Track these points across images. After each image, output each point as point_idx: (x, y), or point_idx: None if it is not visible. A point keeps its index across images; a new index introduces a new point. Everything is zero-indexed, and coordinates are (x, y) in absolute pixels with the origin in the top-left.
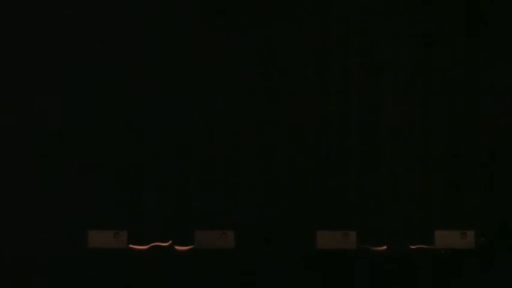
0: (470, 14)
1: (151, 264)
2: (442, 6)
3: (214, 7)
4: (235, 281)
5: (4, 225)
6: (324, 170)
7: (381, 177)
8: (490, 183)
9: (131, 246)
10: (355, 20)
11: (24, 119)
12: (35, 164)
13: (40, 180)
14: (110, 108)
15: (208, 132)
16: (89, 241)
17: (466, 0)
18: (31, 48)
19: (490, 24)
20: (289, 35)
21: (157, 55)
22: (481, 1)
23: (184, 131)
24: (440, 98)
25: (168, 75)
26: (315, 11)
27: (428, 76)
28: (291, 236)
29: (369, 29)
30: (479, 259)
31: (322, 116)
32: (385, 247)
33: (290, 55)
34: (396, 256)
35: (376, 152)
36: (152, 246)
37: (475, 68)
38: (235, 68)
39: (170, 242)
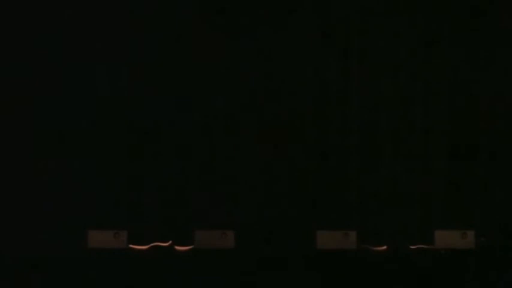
0: (471, 13)
1: (151, 264)
2: (442, 6)
3: (214, 7)
4: (235, 281)
5: (4, 225)
6: (324, 170)
7: (381, 177)
8: (490, 183)
9: (131, 246)
10: (355, 20)
11: (24, 119)
12: (35, 164)
13: (40, 180)
14: (110, 108)
15: (208, 132)
16: (89, 241)
17: (466, 0)
18: (31, 48)
19: (490, 24)
20: (289, 35)
21: (157, 55)
22: (481, 1)
23: (184, 131)
24: (440, 98)
25: (168, 75)
26: (315, 11)
27: (428, 76)
28: (291, 236)
29: (368, 29)
30: (479, 259)
31: (322, 116)
32: (385, 247)
33: (290, 55)
34: (396, 256)
35: (376, 152)
36: (152, 246)
37: (475, 68)
38: (235, 68)
39: (170, 242)
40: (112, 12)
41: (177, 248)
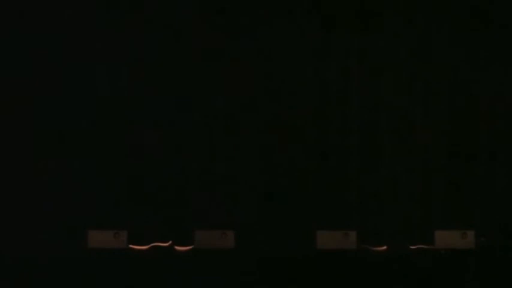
0: (471, 14)
1: (151, 264)
2: (442, 6)
3: (214, 7)
4: (235, 281)
5: (4, 225)
6: (324, 170)
7: (381, 177)
8: (490, 183)
9: (131, 246)
10: (355, 20)
11: (24, 119)
12: (35, 164)
13: (40, 180)
14: (110, 108)
15: (208, 132)
16: (89, 241)
17: (466, 0)
18: (31, 48)
19: (490, 24)
20: (289, 35)
21: (157, 55)
22: (481, 1)
23: (184, 131)
24: (440, 98)
25: (168, 75)
26: (315, 11)
27: (428, 76)
28: (291, 236)
29: (368, 29)
30: (479, 259)
31: (322, 116)
32: (385, 247)
33: (290, 55)
34: (396, 256)
35: (376, 152)
36: (152, 246)
37: (475, 68)
38: (235, 68)
39: (170, 242)
40: (112, 12)
41: (177, 248)
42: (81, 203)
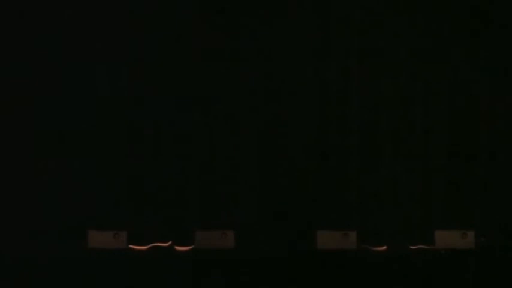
0: (471, 14)
1: (151, 264)
2: (442, 6)
3: (214, 7)
4: (235, 281)
5: (4, 225)
6: (324, 170)
7: (381, 177)
8: (490, 183)
9: (131, 246)
10: (355, 20)
11: (24, 119)
12: (35, 164)
13: (40, 180)
14: (109, 108)
15: (208, 132)
16: (89, 241)
17: (466, 0)
18: (31, 48)
19: (490, 24)
20: (289, 35)
21: (157, 55)
22: (481, 1)
23: (184, 131)
24: (440, 98)
25: (168, 75)
26: (315, 11)
27: (428, 76)
28: (291, 236)
29: (368, 29)
30: (479, 259)
31: (322, 116)
32: (385, 247)
33: (290, 55)
34: (396, 256)
35: (376, 152)
36: (152, 247)
37: (475, 68)
38: (235, 68)
39: (170, 242)
40: (112, 12)
41: (177, 248)
42: (81, 203)
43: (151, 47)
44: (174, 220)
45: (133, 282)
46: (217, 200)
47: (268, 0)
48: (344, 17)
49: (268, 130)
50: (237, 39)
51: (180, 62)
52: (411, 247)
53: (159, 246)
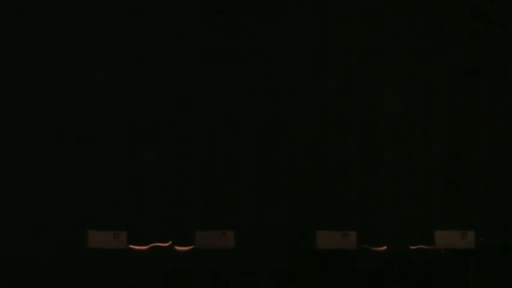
0: (471, 14)
1: (151, 264)
2: (442, 6)
3: (214, 7)
4: (235, 281)
5: (4, 225)
6: (324, 170)
7: (381, 177)
8: (490, 183)
9: (131, 246)
10: (355, 20)
11: (24, 119)
12: (35, 164)
13: (40, 180)
14: (110, 108)
15: (208, 132)
16: (89, 241)
17: (466, 0)
18: (31, 48)
19: (490, 24)
20: (289, 35)
21: (157, 55)
22: (481, 1)
23: (184, 131)
24: (440, 98)
25: (168, 75)
26: (315, 11)
27: (428, 76)
28: (291, 236)
29: (368, 29)
30: (479, 259)
31: (322, 116)
32: (385, 247)
33: (290, 55)
34: (396, 256)
35: (376, 152)
36: (152, 247)
37: (475, 68)
38: (235, 68)
39: (170, 242)
40: (112, 12)
41: (177, 248)
42: (81, 203)
43: (151, 47)
44: (174, 220)
45: (133, 282)
46: (217, 200)
47: (268, 0)
48: (344, 17)
49: (268, 130)
50: (237, 39)
51: (180, 62)
52: (411, 247)
53: (159, 246)
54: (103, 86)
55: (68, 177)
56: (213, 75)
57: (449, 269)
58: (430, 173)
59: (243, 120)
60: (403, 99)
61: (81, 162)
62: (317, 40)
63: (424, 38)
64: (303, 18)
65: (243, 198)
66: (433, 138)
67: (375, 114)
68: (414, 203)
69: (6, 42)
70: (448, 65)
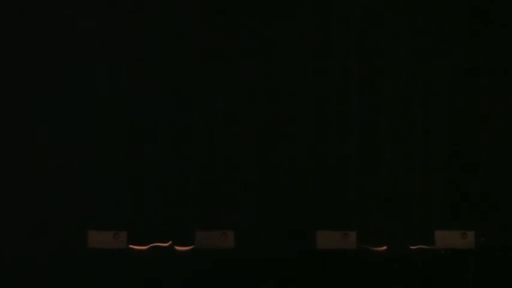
0: (471, 14)
1: (151, 264)
2: (442, 6)
3: (214, 7)
4: (235, 281)
5: (4, 225)
6: (323, 170)
7: (381, 177)
8: (490, 183)
9: (131, 246)
10: (355, 20)
11: (24, 119)
12: (35, 164)
13: (40, 180)
14: (110, 108)
15: (208, 132)
16: (89, 241)
17: (466, 0)
18: (31, 48)
19: (490, 24)
20: (289, 35)
21: (157, 55)
22: (481, 1)
23: (184, 131)
24: (440, 98)
25: (168, 75)
26: (315, 11)
27: (428, 76)
28: (291, 236)
29: (368, 29)
30: (479, 259)
31: (322, 116)
32: (385, 247)
33: (290, 55)
34: (396, 256)
35: (376, 152)
36: (152, 247)
37: (475, 68)
38: (235, 68)
39: (170, 242)
40: (112, 12)
41: (177, 248)
42: (81, 203)
43: (151, 47)
44: (174, 220)
45: (133, 282)
46: (217, 200)
47: (268, 0)
48: (344, 17)
49: (268, 130)
50: (237, 39)
51: (180, 62)
52: (411, 247)
53: (159, 246)
54: (103, 86)
55: (68, 177)
56: (213, 75)
57: (449, 269)
58: (430, 173)
59: (243, 120)
60: (403, 99)
61: (81, 162)
62: (317, 40)
63: (424, 38)
64: (303, 18)
65: (243, 198)
66: (433, 138)
67: (374, 114)
68: (414, 203)
69: (6, 42)
70: (448, 65)
